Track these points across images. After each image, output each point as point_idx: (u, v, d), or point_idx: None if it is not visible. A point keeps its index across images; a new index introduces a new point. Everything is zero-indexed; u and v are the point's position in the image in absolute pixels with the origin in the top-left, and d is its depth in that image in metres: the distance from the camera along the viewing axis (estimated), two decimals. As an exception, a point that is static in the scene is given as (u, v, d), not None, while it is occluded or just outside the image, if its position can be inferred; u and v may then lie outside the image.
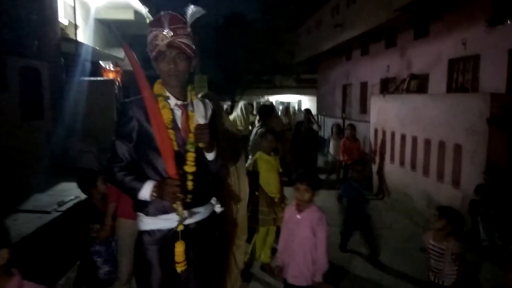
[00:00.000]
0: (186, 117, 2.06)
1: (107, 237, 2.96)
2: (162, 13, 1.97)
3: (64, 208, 4.34)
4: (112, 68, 10.18)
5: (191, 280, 2.15)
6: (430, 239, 2.94)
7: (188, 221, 2.05)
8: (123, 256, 2.87)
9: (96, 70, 8.93)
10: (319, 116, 14.23)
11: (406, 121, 6.55)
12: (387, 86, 10.90)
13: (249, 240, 3.65)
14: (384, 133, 7.42)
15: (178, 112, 2.06)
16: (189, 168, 2.03)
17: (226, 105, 20.62)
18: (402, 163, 6.60)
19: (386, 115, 7.47)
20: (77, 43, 7.30)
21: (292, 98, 26.41)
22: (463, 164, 4.93)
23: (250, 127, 8.45)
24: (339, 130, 8.62)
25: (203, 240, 2.14)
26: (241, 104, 8.80)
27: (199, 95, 3.01)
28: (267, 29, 23.06)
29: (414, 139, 6.19)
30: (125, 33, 10.36)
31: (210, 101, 2.26)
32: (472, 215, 4.36)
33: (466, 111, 4.90)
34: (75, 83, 6.90)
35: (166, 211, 2.00)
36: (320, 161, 9.95)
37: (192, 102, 2.09)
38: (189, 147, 2.03)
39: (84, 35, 8.40)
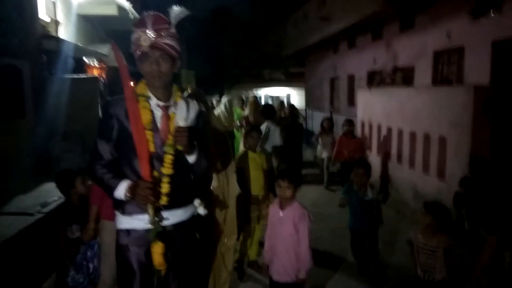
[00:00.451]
0: (167, 119, 2.05)
1: (90, 239, 2.92)
2: (145, 13, 1.96)
3: (47, 209, 4.27)
4: (96, 65, 10.03)
5: (171, 283, 2.13)
6: (418, 236, 2.94)
7: (166, 223, 2.04)
8: (106, 259, 2.83)
9: (80, 66, 8.78)
10: (307, 109, 14.24)
11: (392, 114, 6.58)
12: (374, 79, 10.93)
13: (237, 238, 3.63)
14: (370, 126, 7.46)
15: (159, 113, 2.05)
16: (166, 170, 2.02)
17: (214, 100, 20.58)
18: (388, 155, 6.63)
19: (372, 108, 7.50)
20: (59, 40, 7.15)
21: (281, 92, 26.38)
22: (447, 156, 4.96)
23: (238, 122, 8.43)
24: (330, 125, 7.77)
25: (182, 243, 2.12)
26: (224, 100, 8.73)
27: (186, 93, 2.98)
28: (255, 22, 22.95)
29: (400, 132, 6.23)
30: (109, 29, 10.21)
31: (198, 101, 2.23)
32: (456, 208, 4.40)
33: (450, 104, 4.92)
34: (57, 81, 6.77)
35: (142, 211, 2.00)
36: (309, 155, 9.97)
37: (176, 103, 2.06)
38: (167, 149, 2.02)
39: (67, 32, 8.24)
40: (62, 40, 7.37)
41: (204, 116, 2.23)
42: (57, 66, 7.01)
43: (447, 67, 7.94)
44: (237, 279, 3.86)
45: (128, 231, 2.05)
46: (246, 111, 8.45)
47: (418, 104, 5.79)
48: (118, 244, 2.07)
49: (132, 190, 1.94)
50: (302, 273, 2.66)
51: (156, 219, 1.98)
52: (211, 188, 2.91)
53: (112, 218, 2.61)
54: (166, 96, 2.07)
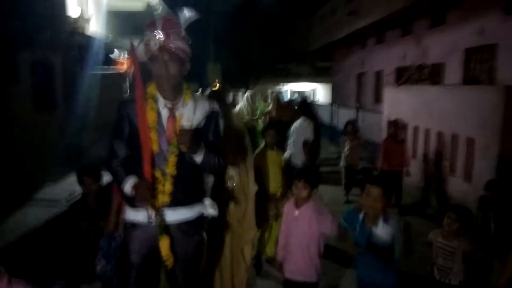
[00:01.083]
0: (173, 119, 2.09)
1: (111, 232, 3.01)
2: (156, 16, 2.01)
3: (75, 198, 4.42)
4: (124, 59, 10.24)
5: (177, 278, 2.22)
6: (439, 237, 2.90)
7: (169, 220, 2.11)
8: None
9: (109, 61, 9.00)
10: (333, 105, 14.08)
11: (419, 112, 6.43)
12: (403, 75, 10.70)
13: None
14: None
15: (166, 114, 2.10)
16: (170, 170, 2.08)
17: (240, 94, 20.65)
18: (414, 155, 6.50)
19: (399, 106, 7.35)
20: (89, 35, 7.35)
21: (306, 87, 26.16)
22: (475, 158, 4.83)
23: (262, 117, 8.43)
24: (355, 129, 6.58)
25: (186, 241, 2.17)
26: (246, 94, 8.75)
27: (209, 89, 3.02)
28: (281, 16, 22.77)
29: (427, 132, 6.09)
30: (136, 24, 10.38)
31: (221, 97, 2.27)
32: (482, 212, 4.28)
33: (480, 104, 4.78)
34: (87, 75, 6.98)
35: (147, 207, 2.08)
36: (331, 152, 9.87)
37: (184, 104, 2.12)
38: (172, 149, 2.08)
39: (97, 26, 8.44)
40: (92, 34, 7.56)
41: (217, 115, 2.26)
42: (87, 61, 7.22)
43: (479, 65, 7.69)
44: (255, 274, 3.91)
45: (134, 224, 2.14)
46: (269, 107, 8.45)
47: (446, 103, 5.64)
48: (124, 236, 2.19)
49: (134, 188, 2.02)
50: (317, 268, 2.68)
51: (155, 217, 2.05)
52: (233, 184, 2.95)
53: None
54: (174, 97, 2.11)
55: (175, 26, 1.99)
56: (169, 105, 2.10)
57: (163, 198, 2.09)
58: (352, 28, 12.80)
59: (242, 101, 8.39)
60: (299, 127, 5.24)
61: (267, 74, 24.47)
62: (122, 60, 9.82)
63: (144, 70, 2.11)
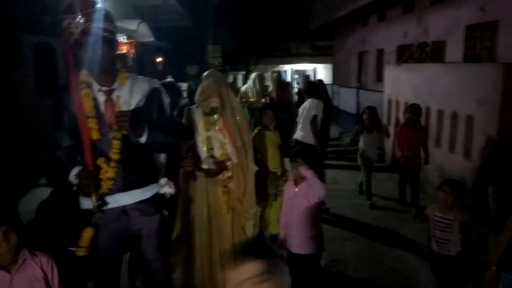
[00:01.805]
0: (110, 103, 2.04)
1: None
2: None
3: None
4: (125, 41, 10.21)
5: (145, 256, 2.32)
6: (435, 211, 3.01)
7: (124, 203, 2.14)
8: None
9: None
10: (334, 85, 14.06)
11: (420, 91, 6.46)
12: (404, 53, 10.65)
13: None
14: (397, 103, 7.35)
15: (102, 99, 2.04)
16: (114, 155, 2.05)
17: (240, 75, 20.49)
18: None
19: (400, 84, 7.36)
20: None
21: (307, 67, 26.00)
22: (474, 135, 4.89)
23: (263, 99, 8.44)
24: (373, 120, 5.54)
25: (144, 220, 2.21)
26: (253, 75, 8.71)
27: (205, 74, 3.07)
28: (281, -6, 22.45)
29: (427, 110, 6.13)
30: (136, 4, 10.32)
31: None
32: (481, 186, 4.37)
33: (479, 82, 4.81)
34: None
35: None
36: (333, 131, 9.92)
37: (121, 86, 2.07)
38: (113, 134, 2.04)
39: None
40: (110, 21, 7.52)
41: (159, 92, 2.21)
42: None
43: (479, 42, 7.66)
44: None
45: (88, 212, 2.13)
46: (270, 88, 8.44)
47: (446, 81, 5.67)
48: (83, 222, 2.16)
49: (77, 177, 2.02)
50: (314, 241, 2.84)
51: (96, 204, 2.04)
52: (229, 164, 3.03)
53: None
54: (109, 80, 2.06)
55: (93, 5, 1.89)
56: (104, 89, 2.04)
57: (107, 184, 2.07)
58: (353, 6, 12.63)
59: (247, 83, 8.39)
60: (308, 107, 5.30)
61: (267, 54, 24.29)
62: (123, 41, 9.80)
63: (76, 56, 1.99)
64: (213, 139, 3.02)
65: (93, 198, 2.03)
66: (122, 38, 10.01)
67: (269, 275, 1.16)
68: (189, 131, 3.05)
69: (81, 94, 2.01)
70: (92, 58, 1.94)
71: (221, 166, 3.01)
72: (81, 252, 2.06)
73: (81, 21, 1.86)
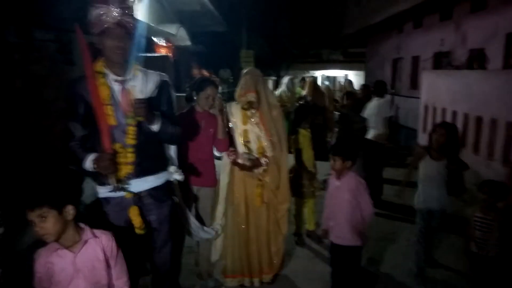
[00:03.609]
0: (125, 92, 2.18)
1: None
2: None
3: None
4: (164, 44, 10.57)
5: (156, 237, 2.45)
6: (476, 211, 3.04)
7: (139, 189, 2.26)
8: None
9: (150, 45, 9.31)
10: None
11: (458, 97, 6.42)
12: (441, 61, 10.52)
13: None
14: (434, 109, 7.31)
15: (117, 88, 2.18)
16: (130, 141, 2.20)
17: (271, 80, 20.68)
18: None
19: (437, 91, 7.32)
20: (135, 19, 7.65)
21: (338, 73, 25.90)
22: (515, 143, 4.84)
23: (296, 103, 8.55)
24: (450, 141, 3.47)
25: (157, 206, 2.34)
26: (286, 79, 8.86)
27: (244, 71, 3.23)
28: (315, 1, 22.53)
29: (466, 116, 6.09)
30: (176, 9, 10.66)
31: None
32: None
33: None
34: (132, 58, 7.29)
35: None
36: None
37: (135, 76, 2.23)
38: (129, 121, 2.18)
39: (140, 12, 8.75)
40: (137, 19, 7.87)
41: (167, 85, 2.38)
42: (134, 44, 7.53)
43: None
44: (294, 245, 4.16)
45: (106, 199, 2.27)
46: (305, 91, 8.55)
47: (486, 88, 5.63)
48: (101, 210, 2.31)
49: (96, 162, 2.12)
50: (356, 233, 2.89)
51: (120, 186, 2.17)
52: (265, 161, 3.16)
53: (209, 184, 3.04)
54: (124, 71, 2.19)
55: (127, 2, 2.10)
56: (119, 79, 2.19)
57: (126, 169, 2.20)
58: (389, 12, 12.59)
59: (281, 87, 8.55)
60: (379, 106, 5.35)
61: (298, 60, 24.38)
62: (162, 44, 10.16)
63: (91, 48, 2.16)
64: (250, 133, 3.19)
65: (113, 179, 2.16)
66: (161, 42, 10.38)
67: None
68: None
69: (98, 83, 2.14)
70: (117, 49, 2.12)
71: (255, 163, 3.16)
72: (140, 230, 2.25)
73: (117, 13, 2.05)
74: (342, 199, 2.91)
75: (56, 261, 1.86)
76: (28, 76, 4.45)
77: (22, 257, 2.60)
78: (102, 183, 2.24)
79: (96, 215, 2.77)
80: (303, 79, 9.70)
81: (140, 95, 2.17)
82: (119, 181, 2.18)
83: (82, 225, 1.94)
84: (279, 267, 3.46)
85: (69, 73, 5.49)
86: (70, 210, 1.85)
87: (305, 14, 22.07)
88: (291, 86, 8.64)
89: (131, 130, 2.19)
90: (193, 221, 2.92)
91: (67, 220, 1.84)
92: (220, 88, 12.66)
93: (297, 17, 22.09)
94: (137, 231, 2.27)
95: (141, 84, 2.23)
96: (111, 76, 2.19)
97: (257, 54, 19.17)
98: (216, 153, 8.62)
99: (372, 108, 5.41)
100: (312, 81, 8.45)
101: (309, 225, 4.38)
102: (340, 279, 3.05)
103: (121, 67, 2.20)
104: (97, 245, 1.93)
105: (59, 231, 1.82)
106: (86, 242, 1.91)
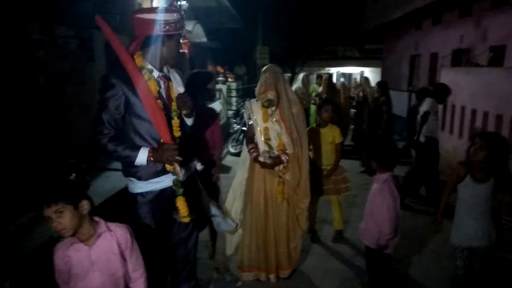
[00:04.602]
0: (168, 87, 2.30)
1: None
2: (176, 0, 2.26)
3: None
4: (180, 40, 10.63)
5: (181, 228, 2.54)
6: (503, 214, 2.97)
7: (179, 179, 2.30)
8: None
9: (167, 42, 9.37)
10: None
11: (478, 95, 6.32)
12: (460, 58, 10.35)
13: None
14: (453, 107, 7.21)
15: (161, 83, 2.28)
16: (176, 133, 2.28)
17: (286, 77, 20.59)
18: (471, 138, 6.42)
19: (456, 88, 7.21)
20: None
21: (354, 70, 25.69)
22: (536, 141, 4.75)
23: (312, 101, 8.53)
24: (495, 157, 2.67)
25: (189, 195, 2.39)
26: (300, 75, 8.82)
27: (264, 68, 3.26)
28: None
29: (485, 114, 5.99)
30: (193, 6, 10.71)
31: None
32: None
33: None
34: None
35: (157, 175, 2.27)
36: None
37: (169, 73, 2.37)
38: (174, 114, 2.28)
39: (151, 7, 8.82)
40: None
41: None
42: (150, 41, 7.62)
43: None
44: (310, 241, 4.18)
45: (142, 194, 2.30)
46: (320, 88, 8.51)
47: (507, 86, 5.52)
48: (133, 204, 2.33)
49: (156, 154, 2.14)
50: (381, 240, 2.82)
51: (183, 173, 2.25)
52: (286, 159, 3.19)
53: None
54: (161, 68, 2.31)
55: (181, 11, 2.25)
56: (161, 74, 2.30)
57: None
58: (407, 9, 12.43)
59: (296, 83, 8.52)
60: (431, 108, 5.21)
61: (314, 57, 24.24)
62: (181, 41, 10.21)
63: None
64: (270, 130, 3.21)
65: (178, 168, 2.22)
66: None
67: None
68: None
69: (146, 78, 2.19)
70: (177, 53, 2.31)
71: (275, 161, 3.17)
72: (186, 219, 2.32)
73: (181, 21, 2.26)
74: (372, 198, 2.87)
75: (72, 255, 1.92)
76: (51, 72, 4.54)
77: (35, 258, 2.69)
78: (144, 179, 2.27)
79: (115, 210, 2.84)
80: (319, 76, 9.62)
81: (181, 90, 2.34)
82: (180, 167, 2.24)
83: (97, 218, 1.98)
84: (297, 262, 3.49)
85: (90, 68, 5.60)
86: (85, 205, 1.89)
87: (322, 10, 21.88)
88: (306, 82, 8.60)
89: (176, 122, 2.29)
90: (217, 212, 2.95)
91: (82, 214, 1.88)
92: (235, 85, 12.77)
93: (313, 13, 21.91)
94: (184, 219, 2.33)
95: (179, 80, 2.40)
96: (156, 72, 2.27)
97: (272, 51, 19.15)
98: (232, 150, 8.63)
99: (425, 110, 5.24)
100: (327, 78, 8.41)
101: (336, 224, 4.31)
102: (374, 280, 3.04)
103: (163, 65, 2.32)
104: (112, 238, 1.97)
105: (76, 225, 1.86)
106: (100, 235, 1.95)
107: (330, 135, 4.12)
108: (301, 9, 21.78)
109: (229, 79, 13.60)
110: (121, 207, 3.87)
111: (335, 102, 7.95)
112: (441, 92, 5.43)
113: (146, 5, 8.03)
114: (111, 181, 4.30)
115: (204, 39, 11.35)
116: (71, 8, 5.11)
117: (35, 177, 3.37)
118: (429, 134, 5.26)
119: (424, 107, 5.26)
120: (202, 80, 3.29)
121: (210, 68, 16.69)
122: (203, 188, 2.74)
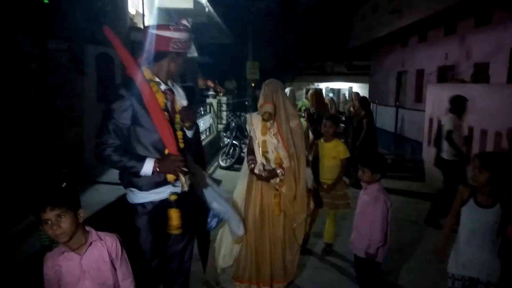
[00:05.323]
0: (173, 100, 2.36)
1: None
2: (186, 19, 2.31)
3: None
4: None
5: (177, 240, 2.53)
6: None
7: (177, 191, 2.33)
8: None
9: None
10: (371, 104, 14.06)
11: (463, 111, 6.46)
12: (445, 75, 10.62)
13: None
14: (439, 122, 7.36)
15: (167, 96, 2.33)
16: (181, 144, 2.32)
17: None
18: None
19: (442, 104, 7.37)
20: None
21: (342, 86, 26.05)
22: (520, 156, 4.88)
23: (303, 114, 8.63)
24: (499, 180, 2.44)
25: (187, 207, 2.41)
26: (287, 90, 8.92)
27: (265, 82, 3.33)
28: (320, 14, 22.77)
29: (470, 129, 6.14)
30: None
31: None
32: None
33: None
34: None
35: (158, 186, 2.28)
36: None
37: (173, 86, 2.42)
38: (178, 126, 2.33)
39: (149, 24, 8.93)
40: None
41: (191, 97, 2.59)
42: (142, 55, 7.69)
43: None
44: (305, 255, 4.16)
45: (143, 205, 2.31)
46: (308, 103, 8.63)
47: (491, 101, 5.69)
48: (132, 214, 2.33)
49: (162, 164, 2.16)
50: (371, 249, 2.87)
51: (187, 184, 2.27)
52: (282, 173, 3.22)
53: None
54: (167, 81, 2.38)
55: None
56: (167, 88, 2.36)
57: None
58: (394, 26, 12.77)
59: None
60: (453, 125, 5.17)
61: (303, 72, 24.55)
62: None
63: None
64: (268, 143, 3.25)
65: (183, 178, 2.23)
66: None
67: None
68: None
69: (153, 90, 2.23)
70: (182, 68, 2.40)
71: (271, 174, 3.21)
72: (176, 231, 2.32)
73: (189, 39, 2.34)
74: (360, 210, 2.93)
75: (63, 264, 1.92)
76: (42, 85, 4.56)
77: (27, 268, 2.66)
78: (145, 189, 2.27)
79: (104, 223, 2.83)
80: (308, 91, 9.81)
81: (185, 103, 2.39)
82: (185, 178, 2.24)
83: (88, 228, 2.00)
84: (293, 276, 3.50)
85: (81, 82, 5.63)
86: (81, 213, 1.92)
87: (311, 27, 22.29)
88: (292, 98, 8.72)
89: (180, 135, 2.34)
90: (233, 216, 2.99)
91: (78, 222, 1.91)
92: (225, 99, 12.86)
93: (302, 30, 22.29)
94: (174, 231, 2.33)
95: (183, 93, 2.45)
96: (163, 85, 2.33)
97: (262, 66, 19.38)
98: (222, 163, 8.63)
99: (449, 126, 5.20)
100: (315, 92, 8.52)
101: (327, 238, 4.33)
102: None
103: (168, 79, 2.39)
104: (103, 247, 1.98)
105: (73, 232, 1.88)
106: (91, 244, 1.96)
107: (334, 150, 4.15)
108: (290, 26, 22.14)
109: (220, 93, 13.69)
110: (110, 220, 3.89)
111: (323, 115, 8.09)
112: (459, 106, 5.30)
113: (137, 20, 8.13)
114: (100, 193, 4.29)
115: (195, 54, 11.45)
116: (63, 22, 5.16)
117: (38, 181, 3.37)
118: (454, 152, 5.17)
119: (446, 126, 5.21)
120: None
121: (200, 82, 16.80)
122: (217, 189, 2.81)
